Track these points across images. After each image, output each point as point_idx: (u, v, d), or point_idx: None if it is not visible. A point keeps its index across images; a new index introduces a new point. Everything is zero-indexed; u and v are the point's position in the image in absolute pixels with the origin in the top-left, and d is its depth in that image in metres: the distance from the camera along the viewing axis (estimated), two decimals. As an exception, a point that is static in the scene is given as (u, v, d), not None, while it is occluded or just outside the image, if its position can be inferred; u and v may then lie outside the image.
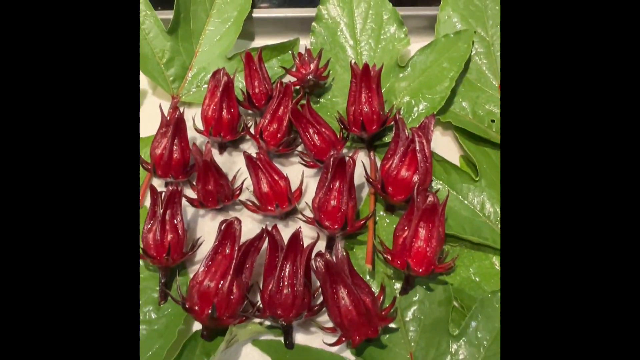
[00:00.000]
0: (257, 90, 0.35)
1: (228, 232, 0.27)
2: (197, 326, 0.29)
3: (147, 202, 0.33)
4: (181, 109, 0.32)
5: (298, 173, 0.34)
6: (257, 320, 0.29)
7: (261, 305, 0.28)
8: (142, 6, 0.36)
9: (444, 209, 0.28)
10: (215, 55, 0.38)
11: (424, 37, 0.40)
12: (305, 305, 0.27)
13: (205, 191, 0.31)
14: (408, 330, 0.28)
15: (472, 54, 0.37)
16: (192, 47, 0.38)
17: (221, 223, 0.28)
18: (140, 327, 0.29)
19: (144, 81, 0.39)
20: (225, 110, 0.34)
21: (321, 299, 0.28)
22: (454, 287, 0.30)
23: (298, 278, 0.26)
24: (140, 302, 0.30)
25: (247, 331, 0.28)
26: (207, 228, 0.33)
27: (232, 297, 0.27)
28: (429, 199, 0.27)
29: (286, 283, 0.27)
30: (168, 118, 0.32)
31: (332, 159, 0.29)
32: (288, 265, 0.27)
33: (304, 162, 0.33)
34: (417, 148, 0.30)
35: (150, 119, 0.36)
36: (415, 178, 0.30)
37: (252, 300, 0.28)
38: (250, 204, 0.32)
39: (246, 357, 0.29)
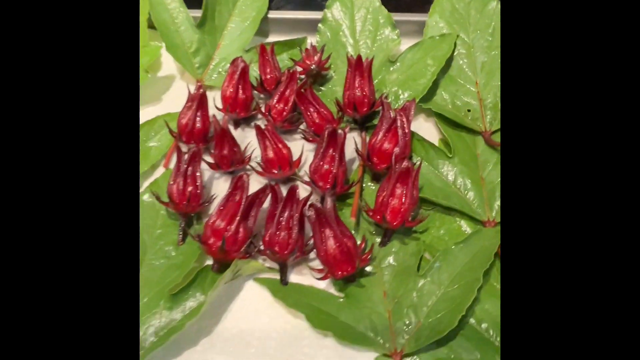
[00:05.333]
0: (268, 76, 0.41)
1: (238, 182, 0.33)
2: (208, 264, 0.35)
3: (171, 164, 0.40)
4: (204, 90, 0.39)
5: (300, 147, 0.40)
6: (260, 260, 0.35)
7: (262, 246, 0.33)
8: (176, 3, 0.44)
9: (417, 173, 0.34)
10: (235, 48, 0.45)
11: (414, 39, 0.46)
12: (298, 245, 0.33)
13: (221, 156, 0.38)
14: (383, 274, 0.34)
15: (455, 54, 0.43)
16: (215, 40, 0.45)
17: (233, 178, 0.34)
18: (161, 262, 0.35)
19: (174, 67, 0.46)
20: (241, 91, 0.40)
21: (312, 243, 0.33)
22: (425, 243, 0.35)
23: (293, 223, 0.32)
24: (162, 242, 0.36)
25: (249, 267, 0.34)
26: (220, 187, 0.39)
27: (238, 235, 0.33)
28: (404, 164, 0.33)
29: (283, 225, 0.32)
30: (193, 94, 0.39)
31: (326, 131, 0.35)
32: (286, 212, 0.33)
33: (304, 137, 0.39)
34: (398, 125, 0.36)
35: (179, 98, 0.43)
36: (396, 150, 0.36)
37: (255, 243, 0.34)
38: (257, 169, 0.38)
39: (247, 290, 0.34)
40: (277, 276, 0.34)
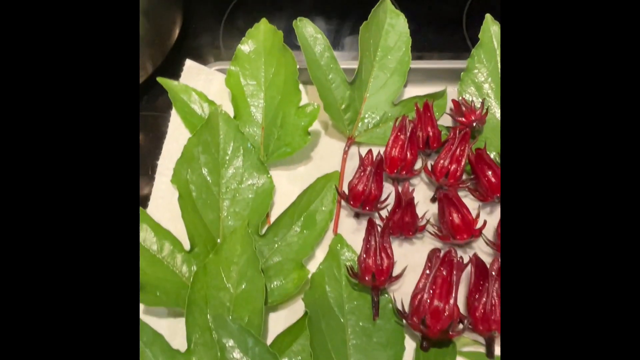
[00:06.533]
0: (431, 133, 0.41)
1: (446, 260, 0.33)
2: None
3: (339, 229, 0.39)
4: (354, 149, 0.38)
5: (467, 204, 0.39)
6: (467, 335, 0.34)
7: (471, 321, 0.33)
8: (327, 60, 0.42)
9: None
10: (381, 101, 0.44)
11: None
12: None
13: (403, 222, 0.37)
14: None
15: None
16: (362, 94, 0.44)
17: (432, 251, 0.33)
18: (363, 340, 0.34)
19: (317, 122, 0.44)
20: (409, 152, 0.39)
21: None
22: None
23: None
24: (354, 317, 0.35)
25: (459, 343, 0.33)
26: (397, 253, 0.38)
27: (454, 315, 0.32)
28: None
29: (497, 302, 0.32)
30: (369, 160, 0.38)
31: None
32: (497, 288, 0.32)
33: (479, 197, 0.39)
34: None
35: (329, 155, 0.42)
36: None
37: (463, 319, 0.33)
38: (440, 235, 0.37)
39: (452, 365, 0.34)
40: (481, 349, 0.34)
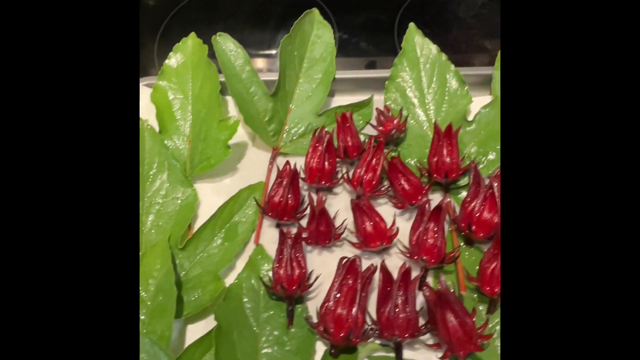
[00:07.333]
0: (350, 143, 0.42)
1: (352, 268, 0.34)
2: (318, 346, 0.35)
3: (261, 239, 0.40)
4: (280, 160, 0.39)
5: (385, 212, 0.40)
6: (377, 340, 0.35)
7: (378, 327, 0.34)
8: (248, 73, 0.43)
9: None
10: (306, 112, 0.44)
11: (479, 92, 0.47)
12: (416, 327, 0.33)
13: (318, 232, 0.38)
14: (495, 345, 0.34)
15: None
16: (286, 106, 0.45)
17: (341, 259, 0.34)
18: (275, 349, 0.34)
19: (244, 134, 0.45)
20: (327, 162, 0.40)
21: (423, 321, 0.34)
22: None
23: (410, 304, 0.33)
24: (269, 327, 0.35)
25: (366, 349, 0.34)
26: (315, 262, 0.39)
27: (358, 321, 0.33)
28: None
29: (401, 309, 0.33)
30: (285, 171, 0.39)
31: (428, 205, 0.35)
32: (401, 294, 0.33)
33: (395, 205, 0.40)
34: (496, 194, 0.36)
35: (255, 167, 0.43)
36: (496, 219, 0.36)
37: (371, 325, 0.34)
38: (356, 243, 0.38)
39: (362, 371, 0.35)
40: (390, 353, 0.34)
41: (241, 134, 0.45)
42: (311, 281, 0.37)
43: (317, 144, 0.40)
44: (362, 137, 0.43)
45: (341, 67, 0.47)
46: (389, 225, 0.39)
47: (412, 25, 0.47)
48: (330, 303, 0.33)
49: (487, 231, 0.37)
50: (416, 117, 0.45)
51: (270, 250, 0.38)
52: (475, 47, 0.51)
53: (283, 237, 0.36)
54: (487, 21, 0.53)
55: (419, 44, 0.46)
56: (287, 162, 0.39)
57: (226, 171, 0.44)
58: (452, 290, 0.33)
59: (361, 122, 0.45)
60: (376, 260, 0.39)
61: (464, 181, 0.41)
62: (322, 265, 0.39)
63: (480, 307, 0.36)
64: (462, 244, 0.39)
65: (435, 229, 0.36)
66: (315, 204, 0.37)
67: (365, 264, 0.36)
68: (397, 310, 0.33)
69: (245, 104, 0.42)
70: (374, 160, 0.40)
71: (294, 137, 0.44)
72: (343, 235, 0.39)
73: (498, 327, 0.35)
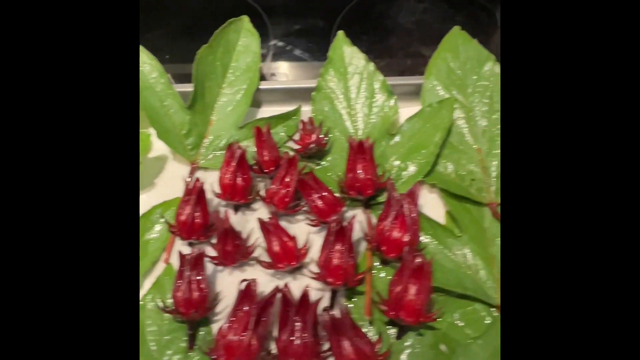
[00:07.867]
0: (266, 158, 0.40)
1: (247, 292, 0.32)
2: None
3: (172, 259, 0.38)
4: (199, 174, 0.37)
5: (302, 229, 0.39)
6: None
7: (277, 353, 0.32)
8: (163, 85, 0.42)
9: (430, 267, 0.33)
10: (228, 124, 0.43)
11: (410, 102, 0.45)
12: (314, 353, 0.32)
13: (224, 252, 0.36)
14: (402, 371, 0.33)
15: (454, 119, 0.42)
16: (207, 118, 0.43)
17: (241, 282, 0.33)
18: (172, 374, 0.33)
19: (165, 147, 0.44)
20: (239, 178, 0.39)
21: (328, 345, 0.32)
22: (441, 331, 0.34)
23: (307, 330, 0.31)
24: (170, 351, 0.34)
25: (266, 376, 0.33)
26: (225, 282, 0.38)
27: (251, 347, 0.32)
28: (417, 259, 0.32)
29: (298, 335, 0.31)
30: (190, 187, 0.37)
31: (333, 225, 0.34)
32: (299, 319, 0.32)
33: (309, 223, 0.38)
34: (406, 213, 0.35)
35: (173, 182, 0.42)
36: (406, 238, 0.35)
37: (268, 347, 0.33)
38: (264, 262, 0.37)
39: (263, 398, 0.33)
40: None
41: (161, 147, 0.44)
42: (216, 302, 0.36)
43: (230, 159, 0.39)
44: (289, 151, 0.42)
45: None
46: (302, 243, 0.37)
47: (340, 33, 0.45)
48: (224, 328, 0.32)
49: (397, 251, 0.35)
50: (343, 130, 0.43)
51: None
52: (412, 54, 0.49)
53: (183, 258, 0.34)
54: (428, 28, 0.51)
55: (347, 53, 0.45)
56: (197, 179, 0.38)
57: (143, 186, 0.42)
58: (350, 316, 0.31)
59: (287, 135, 0.43)
60: (289, 281, 0.37)
61: (384, 197, 0.40)
62: (232, 286, 0.37)
63: (393, 331, 0.34)
64: (377, 263, 0.37)
65: (342, 249, 0.34)
66: (216, 222, 0.35)
67: (277, 283, 0.34)
68: (294, 335, 0.31)
69: (159, 117, 0.41)
70: (288, 176, 0.38)
71: (215, 151, 0.43)
72: (257, 255, 0.38)
73: (406, 353, 0.33)
